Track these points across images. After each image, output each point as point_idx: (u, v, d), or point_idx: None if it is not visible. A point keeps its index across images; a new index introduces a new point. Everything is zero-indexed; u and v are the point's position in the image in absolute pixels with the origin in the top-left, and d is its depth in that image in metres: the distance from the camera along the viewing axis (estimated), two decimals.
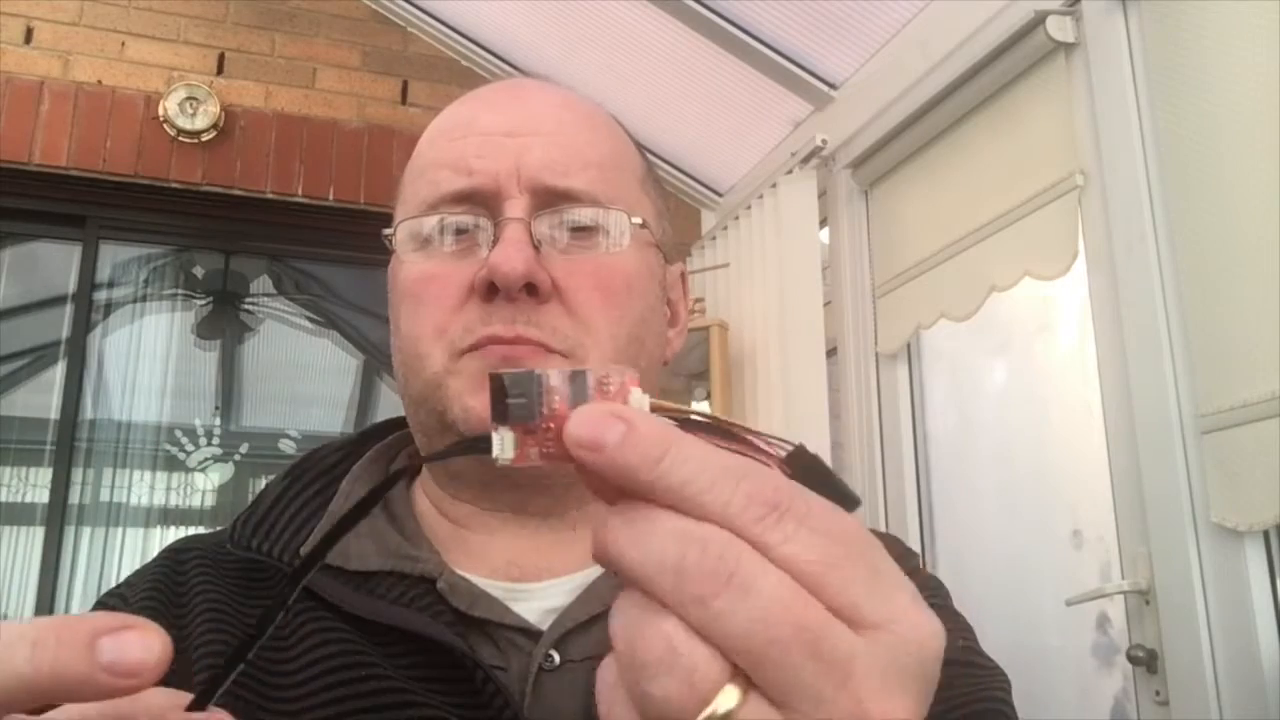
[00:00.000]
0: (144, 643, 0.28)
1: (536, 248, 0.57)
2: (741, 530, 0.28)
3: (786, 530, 0.28)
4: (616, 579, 0.29)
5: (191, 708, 0.31)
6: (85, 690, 0.27)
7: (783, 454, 0.33)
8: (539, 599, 0.57)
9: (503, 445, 0.31)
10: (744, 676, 0.27)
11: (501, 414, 0.31)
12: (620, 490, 0.29)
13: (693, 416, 0.33)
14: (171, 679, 0.30)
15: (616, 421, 0.29)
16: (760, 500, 0.28)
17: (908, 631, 0.28)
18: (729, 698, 0.27)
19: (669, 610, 0.27)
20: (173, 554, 0.62)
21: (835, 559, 0.28)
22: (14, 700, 0.27)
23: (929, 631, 0.28)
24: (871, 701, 0.27)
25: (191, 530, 2.84)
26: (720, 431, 0.33)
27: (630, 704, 0.28)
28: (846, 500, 0.32)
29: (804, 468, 0.33)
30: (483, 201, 0.59)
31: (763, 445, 0.33)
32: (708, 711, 0.26)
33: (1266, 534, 1.38)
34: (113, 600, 0.59)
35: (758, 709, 0.27)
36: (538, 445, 0.32)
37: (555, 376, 0.31)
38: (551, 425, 0.31)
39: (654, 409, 0.32)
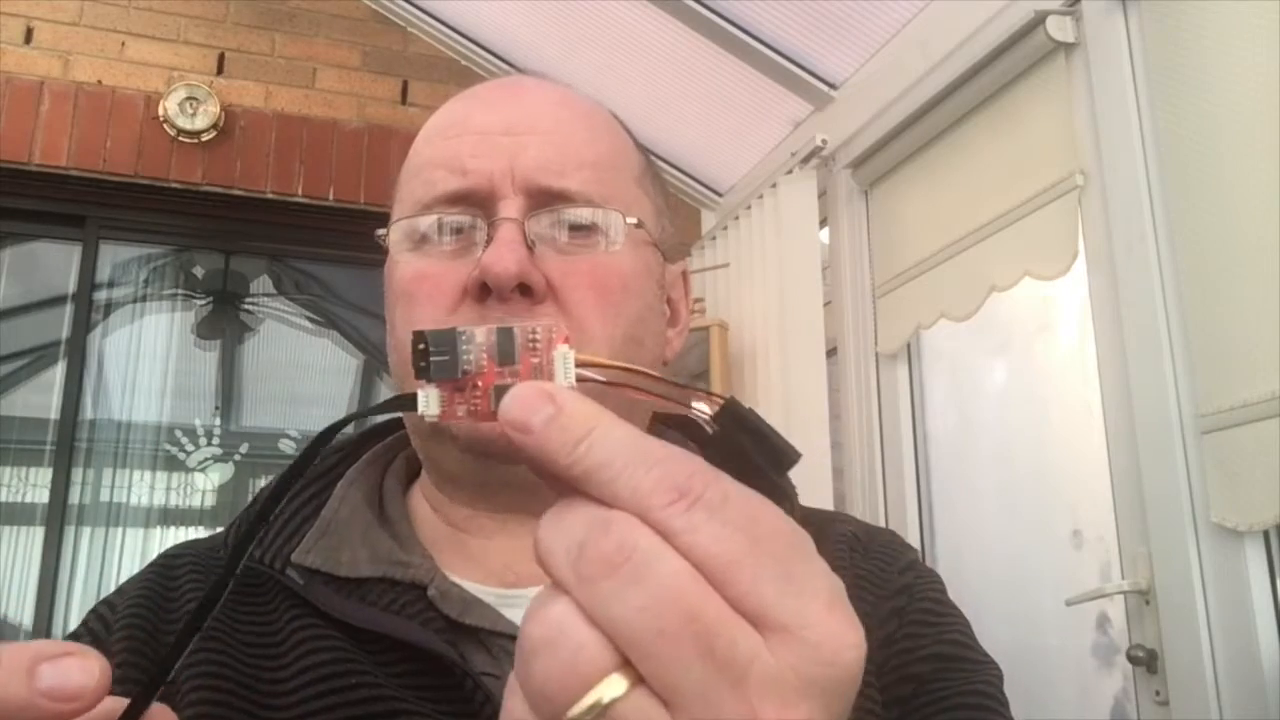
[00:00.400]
0: (84, 667, 0.28)
1: (531, 248, 0.57)
2: (646, 515, 0.27)
3: (695, 519, 0.26)
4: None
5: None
6: (26, 715, 0.28)
7: (714, 409, 0.32)
8: None
9: (428, 402, 0.32)
10: (634, 669, 0.26)
11: (425, 371, 0.31)
12: (549, 472, 0.29)
13: (621, 371, 0.32)
14: (159, 690, 0.31)
15: (547, 402, 0.28)
16: (670, 486, 0.27)
17: (819, 638, 0.26)
18: (613, 687, 0.25)
19: (565, 594, 0.27)
20: (165, 561, 0.62)
21: (744, 554, 0.26)
22: None
23: (845, 642, 0.27)
24: (767, 708, 0.25)
25: (191, 530, 2.85)
26: (653, 387, 0.33)
27: (521, 695, 0.27)
28: (781, 455, 0.31)
29: (734, 421, 0.32)
30: (478, 201, 0.59)
31: (695, 401, 0.32)
32: (590, 699, 0.25)
33: (1266, 534, 1.38)
34: (102, 608, 0.59)
35: (642, 703, 0.25)
36: (465, 403, 0.31)
37: (480, 333, 0.31)
38: (479, 383, 0.31)
39: (580, 364, 0.32)
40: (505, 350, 0.31)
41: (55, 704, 0.28)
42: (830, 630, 0.26)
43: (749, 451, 0.32)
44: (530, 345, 0.31)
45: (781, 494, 0.31)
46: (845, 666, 0.26)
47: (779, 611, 0.26)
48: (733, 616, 0.26)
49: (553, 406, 0.28)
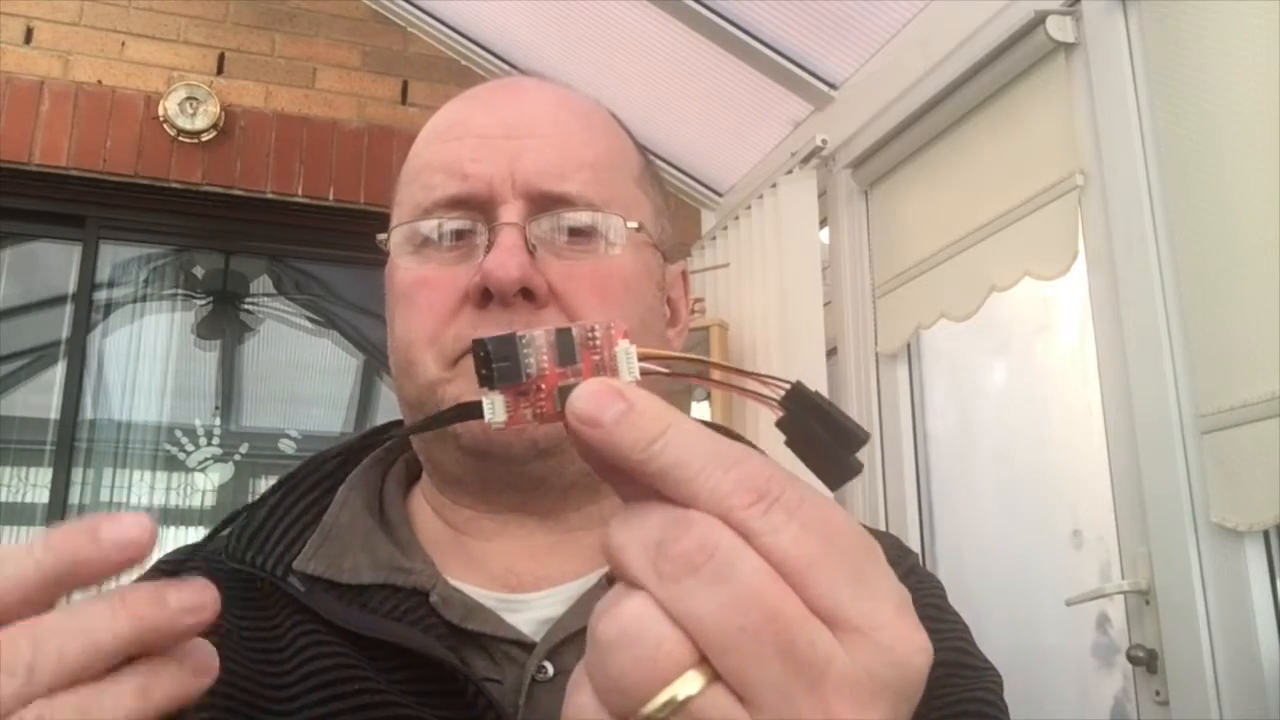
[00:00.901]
0: (137, 520, 0.31)
1: (532, 252, 0.57)
2: (727, 516, 0.27)
3: (774, 521, 0.27)
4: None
5: None
6: (94, 567, 0.30)
7: (781, 393, 0.32)
8: (533, 609, 0.56)
9: (494, 409, 0.32)
10: (710, 666, 0.26)
11: (488, 379, 0.31)
12: (613, 466, 0.29)
13: (685, 364, 0.33)
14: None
15: (618, 399, 0.29)
16: (749, 487, 0.27)
17: (891, 641, 0.27)
18: (690, 683, 0.26)
19: (640, 590, 0.27)
20: (168, 569, 0.60)
21: (822, 556, 0.27)
22: (31, 591, 0.30)
23: (915, 646, 0.27)
24: (842, 708, 0.26)
25: (191, 530, 2.85)
26: (715, 374, 0.33)
27: (591, 690, 0.27)
28: (850, 436, 0.32)
29: (802, 404, 0.32)
30: (477, 206, 0.58)
31: (757, 386, 0.33)
32: (666, 695, 0.26)
33: (1266, 534, 1.38)
34: None
35: (719, 700, 0.26)
36: (530, 406, 0.32)
37: (540, 335, 0.32)
38: (542, 386, 0.31)
39: (643, 357, 0.32)
40: (566, 351, 0.31)
41: (119, 551, 0.30)
42: (901, 633, 0.27)
43: (818, 433, 0.32)
44: (590, 343, 0.32)
45: (850, 470, 0.32)
46: (916, 670, 0.27)
47: (853, 613, 0.27)
48: (810, 616, 0.26)
49: (624, 403, 0.29)
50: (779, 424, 0.33)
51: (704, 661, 0.26)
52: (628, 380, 0.31)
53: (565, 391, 0.30)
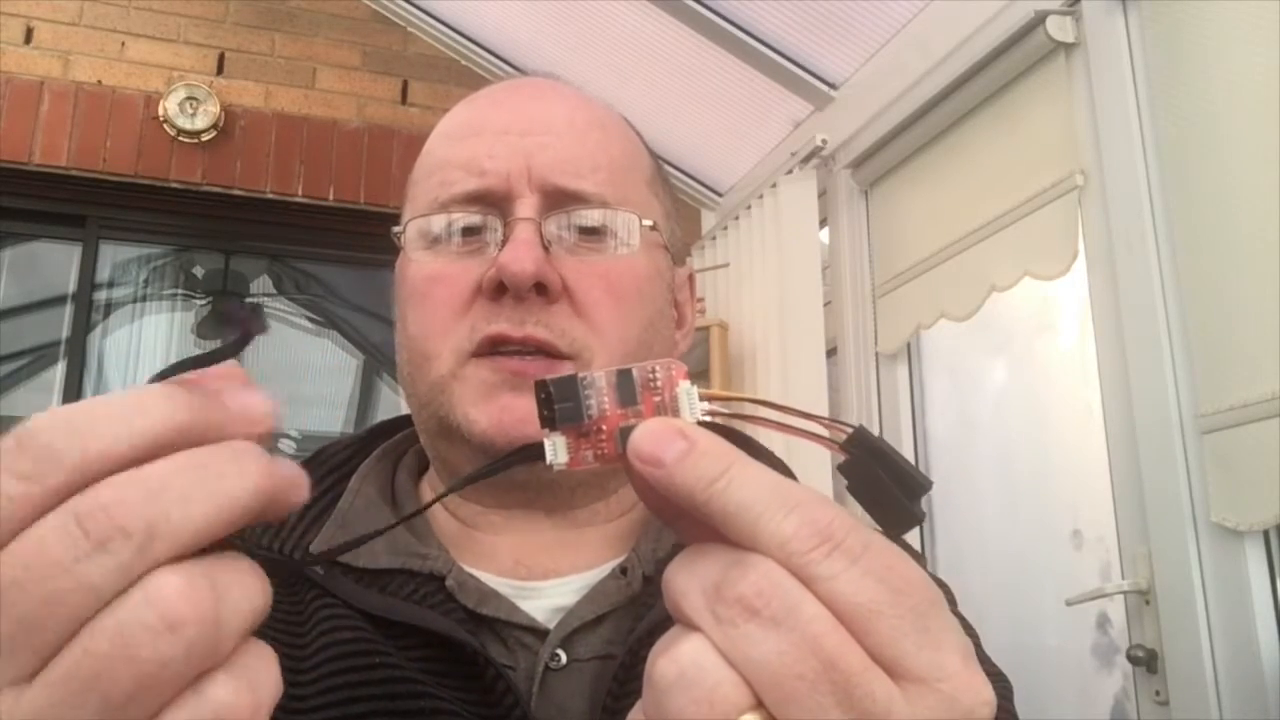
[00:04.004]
0: (263, 396, 0.29)
1: (546, 248, 0.57)
2: (788, 560, 0.27)
3: (836, 566, 0.26)
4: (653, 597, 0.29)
5: None
6: (216, 435, 0.27)
7: (842, 437, 0.32)
8: (547, 597, 0.57)
9: (556, 451, 0.32)
10: (767, 711, 0.26)
11: (550, 420, 0.32)
12: (674, 506, 0.29)
13: (747, 404, 0.33)
14: None
15: (679, 438, 0.29)
16: (812, 531, 0.27)
17: (956, 693, 0.26)
18: None
19: (697, 631, 0.27)
20: None
21: (885, 604, 0.26)
22: (158, 447, 0.25)
23: (980, 698, 0.27)
24: None
25: None
26: (775, 415, 0.33)
27: None
28: (914, 483, 0.32)
29: (864, 448, 0.32)
30: (494, 201, 0.59)
31: (818, 428, 0.33)
32: None
33: (1266, 534, 1.38)
34: None
35: None
36: (591, 448, 0.32)
37: (601, 377, 0.32)
38: (603, 426, 0.31)
39: (704, 398, 0.32)
40: (626, 392, 0.32)
41: (249, 427, 0.28)
42: (965, 684, 0.27)
43: (882, 478, 0.32)
44: (650, 384, 0.32)
45: (913, 519, 0.32)
46: None
47: (916, 663, 0.26)
48: (871, 665, 0.26)
49: (685, 442, 0.28)
50: (840, 467, 0.33)
51: (761, 706, 0.26)
52: (689, 420, 0.31)
53: (626, 432, 0.30)
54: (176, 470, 0.25)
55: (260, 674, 0.26)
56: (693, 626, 0.27)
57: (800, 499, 0.28)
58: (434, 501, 0.41)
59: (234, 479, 0.26)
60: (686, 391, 0.32)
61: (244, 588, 0.26)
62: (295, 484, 0.28)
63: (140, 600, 0.24)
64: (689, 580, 0.28)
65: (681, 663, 0.26)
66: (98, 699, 0.23)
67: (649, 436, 0.29)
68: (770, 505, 0.27)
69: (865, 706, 0.25)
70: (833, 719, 0.25)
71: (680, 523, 0.30)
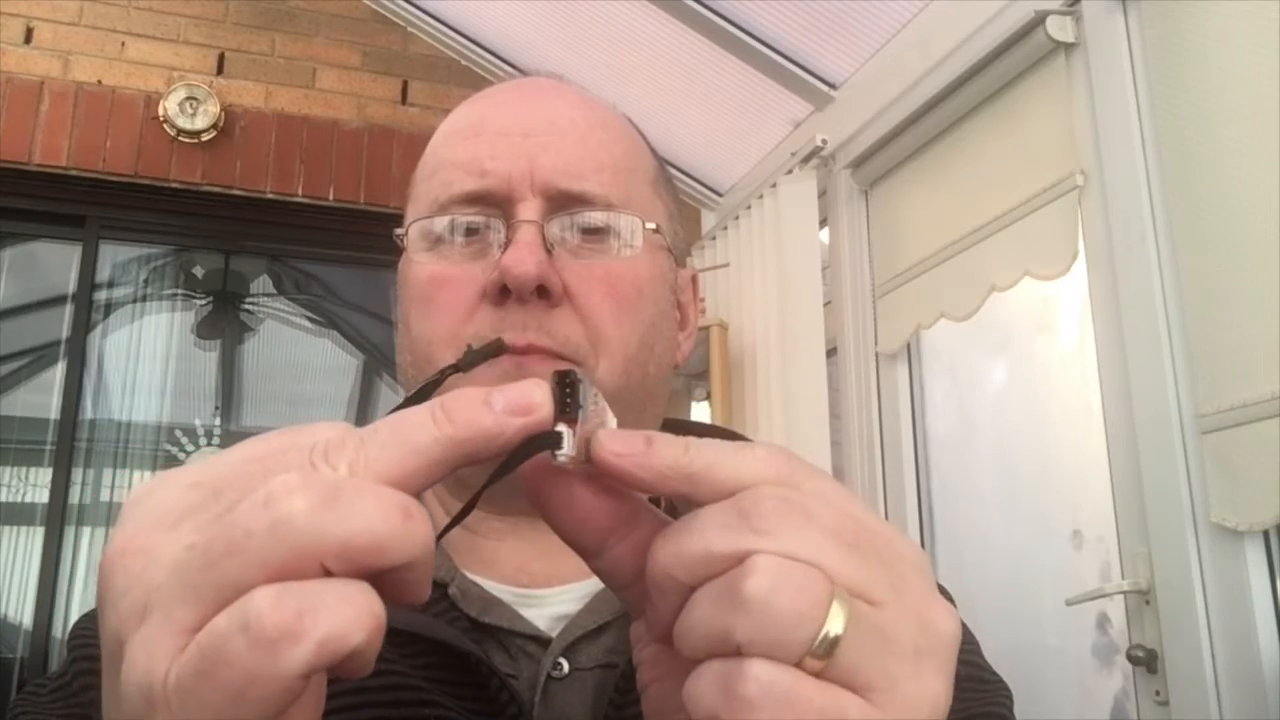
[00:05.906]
0: (528, 384, 0.32)
1: (549, 250, 0.57)
2: (776, 480, 0.30)
3: (808, 480, 0.31)
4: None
5: None
6: (490, 442, 0.31)
7: None
8: (549, 605, 0.57)
9: (570, 443, 0.32)
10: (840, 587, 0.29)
11: (571, 410, 0.32)
12: (628, 570, 0.33)
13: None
14: None
15: (641, 436, 0.32)
16: (777, 461, 0.31)
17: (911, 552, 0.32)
18: (836, 616, 0.28)
19: (756, 552, 0.29)
20: None
21: (852, 500, 0.31)
22: (430, 466, 0.30)
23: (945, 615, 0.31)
24: (924, 604, 0.30)
25: None
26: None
27: (765, 661, 0.28)
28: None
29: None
30: (495, 203, 0.58)
31: None
32: (827, 625, 0.28)
33: (1266, 534, 1.38)
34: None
35: (860, 609, 0.29)
36: (578, 448, 0.33)
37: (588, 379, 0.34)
38: (588, 424, 0.33)
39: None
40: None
41: (513, 416, 0.31)
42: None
43: None
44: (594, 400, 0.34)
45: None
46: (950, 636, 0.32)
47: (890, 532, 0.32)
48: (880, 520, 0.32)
49: (644, 437, 0.32)
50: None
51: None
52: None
53: (587, 440, 0.32)
54: (372, 430, 0.32)
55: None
56: (743, 554, 0.29)
57: (748, 444, 0.32)
58: (468, 508, 0.42)
59: (421, 431, 0.31)
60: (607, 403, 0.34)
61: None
62: (516, 411, 0.31)
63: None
64: (703, 533, 0.30)
65: (769, 572, 0.28)
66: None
67: (616, 437, 0.32)
68: (735, 454, 0.31)
69: (895, 551, 0.31)
70: (879, 566, 0.30)
71: (629, 591, 0.33)
